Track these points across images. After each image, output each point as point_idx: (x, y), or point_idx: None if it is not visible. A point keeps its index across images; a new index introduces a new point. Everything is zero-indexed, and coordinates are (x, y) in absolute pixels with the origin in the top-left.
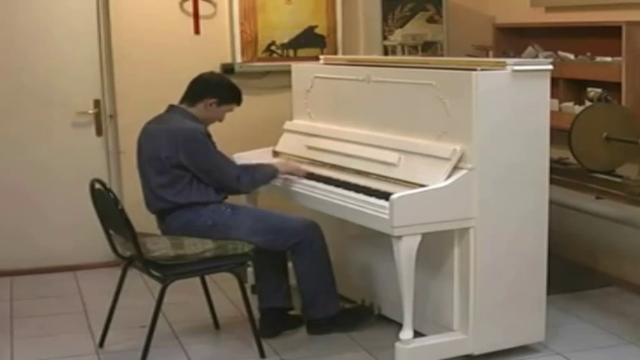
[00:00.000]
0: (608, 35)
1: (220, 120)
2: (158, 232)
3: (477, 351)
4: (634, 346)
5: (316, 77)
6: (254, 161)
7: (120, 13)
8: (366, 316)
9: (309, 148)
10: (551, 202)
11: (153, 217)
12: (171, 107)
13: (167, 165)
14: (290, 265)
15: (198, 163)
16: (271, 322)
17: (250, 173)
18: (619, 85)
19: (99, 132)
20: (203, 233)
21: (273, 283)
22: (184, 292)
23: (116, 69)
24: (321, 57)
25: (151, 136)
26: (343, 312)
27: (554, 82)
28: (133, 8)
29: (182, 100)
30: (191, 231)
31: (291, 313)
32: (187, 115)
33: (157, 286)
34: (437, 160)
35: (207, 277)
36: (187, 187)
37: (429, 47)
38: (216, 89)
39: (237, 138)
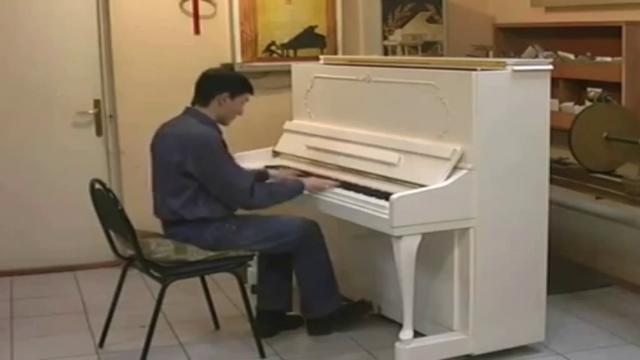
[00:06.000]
0: (608, 35)
1: (240, 113)
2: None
3: (476, 351)
4: (634, 346)
5: (316, 77)
6: (280, 175)
7: (120, 13)
8: (364, 310)
9: (309, 148)
10: (551, 202)
11: (153, 218)
12: (187, 109)
13: (176, 171)
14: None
15: (204, 171)
16: (268, 323)
17: (267, 187)
18: (619, 85)
19: (99, 132)
20: (205, 248)
21: (275, 287)
22: (184, 292)
23: (116, 69)
24: (321, 57)
25: (163, 139)
26: (341, 309)
27: (554, 82)
28: (133, 8)
29: (194, 102)
30: (192, 245)
31: (289, 313)
32: (203, 118)
33: (157, 286)
34: (437, 160)
35: (207, 277)
36: (193, 200)
37: (429, 47)
38: (225, 83)
39: (237, 138)
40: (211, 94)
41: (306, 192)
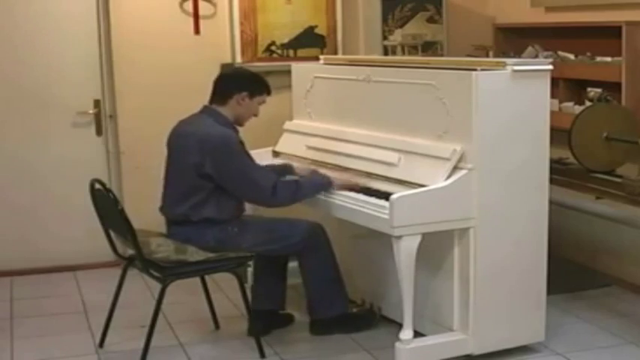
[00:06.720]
0: (608, 35)
1: (256, 114)
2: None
3: (476, 351)
4: (634, 346)
5: (316, 77)
6: (306, 170)
7: (120, 13)
8: (370, 319)
9: (309, 148)
10: (551, 202)
11: (153, 218)
12: (204, 108)
13: (193, 172)
14: (295, 264)
15: (224, 172)
16: (261, 321)
17: (291, 186)
18: (619, 85)
19: (99, 132)
20: (205, 249)
21: (269, 287)
22: (184, 292)
23: (116, 69)
24: (321, 57)
25: (181, 138)
26: (348, 315)
27: (554, 82)
28: (133, 9)
29: (212, 101)
30: (192, 245)
31: (281, 312)
32: (220, 119)
33: (157, 286)
34: (437, 160)
35: (207, 277)
36: (203, 201)
37: (429, 47)
38: (244, 82)
39: None
40: (230, 93)
41: (333, 191)
